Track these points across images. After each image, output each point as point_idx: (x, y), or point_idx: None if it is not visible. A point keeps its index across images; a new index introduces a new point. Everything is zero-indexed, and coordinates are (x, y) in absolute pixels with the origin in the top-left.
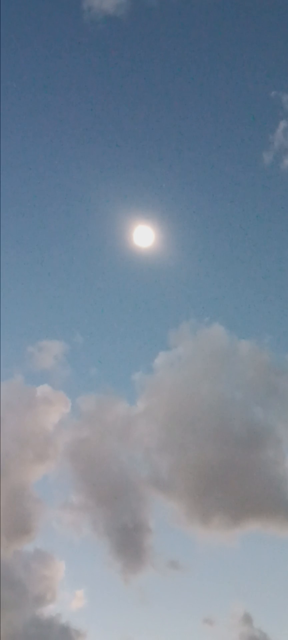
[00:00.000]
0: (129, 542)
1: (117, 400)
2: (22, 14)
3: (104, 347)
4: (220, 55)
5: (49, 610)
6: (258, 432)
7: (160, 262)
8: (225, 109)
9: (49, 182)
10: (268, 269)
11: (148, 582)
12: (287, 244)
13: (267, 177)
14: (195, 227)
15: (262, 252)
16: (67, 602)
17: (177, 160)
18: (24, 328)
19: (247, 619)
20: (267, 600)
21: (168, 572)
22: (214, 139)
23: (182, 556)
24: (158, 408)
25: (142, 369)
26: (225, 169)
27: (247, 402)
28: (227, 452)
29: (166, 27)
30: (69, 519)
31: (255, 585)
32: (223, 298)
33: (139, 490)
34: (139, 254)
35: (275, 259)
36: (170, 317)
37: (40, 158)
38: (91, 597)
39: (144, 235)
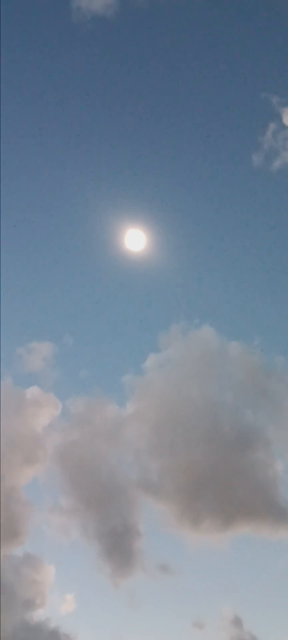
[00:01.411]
0: (118, 545)
1: (107, 403)
2: (9, 13)
3: (94, 349)
4: (210, 57)
5: (38, 614)
6: (248, 434)
7: (150, 264)
8: (215, 111)
9: (39, 186)
10: (258, 271)
11: (138, 586)
12: (277, 246)
13: (257, 179)
14: (186, 230)
15: (251, 254)
16: (57, 606)
17: (167, 164)
18: (12, 329)
19: (237, 622)
20: (257, 603)
21: (158, 575)
22: (204, 141)
23: (172, 559)
24: (148, 410)
25: (132, 371)
26: (215, 171)
27: (237, 404)
28: (217, 455)
29: (155, 28)
30: (58, 522)
31: (245, 588)
32: (213, 300)
33: (128, 493)
34: (129, 257)
35: (265, 261)
36: (160, 319)
37: (31, 161)
38: (81, 601)
39: (134, 239)
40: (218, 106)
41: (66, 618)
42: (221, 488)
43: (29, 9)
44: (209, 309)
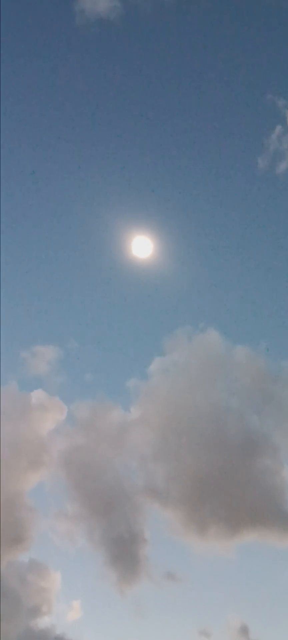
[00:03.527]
0: (124, 552)
1: (112, 407)
2: (14, 15)
3: (99, 352)
4: (215, 60)
5: (44, 621)
6: (255, 440)
7: (155, 268)
8: (220, 114)
9: (45, 191)
10: (264, 274)
11: (144, 594)
12: (283, 249)
13: (262, 182)
14: (191, 234)
15: (257, 258)
16: (63, 613)
17: (172, 169)
18: (17, 333)
19: (244, 630)
20: (264, 611)
21: (164, 583)
22: (210, 144)
23: (178, 567)
24: (153, 415)
25: (136, 375)
26: (221, 175)
27: (243, 409)
28: (224, 461)
29: (159, 31)
30: (64, 528)
31: (252, 596)
32: (219, 303)
33: (134, 499)
34: (135, 262)
35: (271, 264)
36: (165, 323)
37: (36, 166)
38: (87, 608)
39: (141, 245)
40: (223, 109)
41: (73, 625)
42: (227, 495)
43: (32, 11)
44: (214, 312)
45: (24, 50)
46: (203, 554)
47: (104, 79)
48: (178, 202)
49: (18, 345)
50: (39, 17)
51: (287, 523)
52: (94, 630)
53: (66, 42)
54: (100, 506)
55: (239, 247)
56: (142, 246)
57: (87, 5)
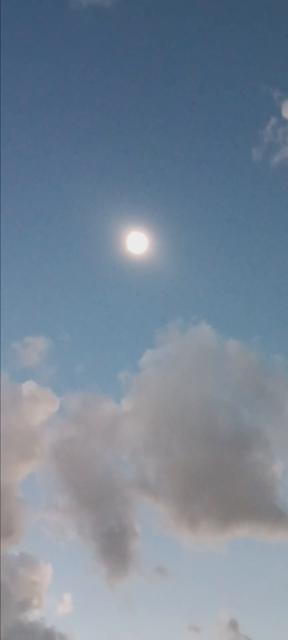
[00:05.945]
0: (114, 546)
1: (103, 400)
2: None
3: (90, 344)
4: (211, 50)
5: (33, 615)
6: (246, 434)
7: (148, 261)
8: (216, 105)
9: (40, 184)
10: (257, 268)
11: (134, 588)
12: (276, 242)
13: (256, 174)
14: (185, 226)
15: (250, 251)
16: (53, 606)
17: (167, 161)
18: (8, 324)
19: (233, 625)
20: (254, 606)
21: (155, 577)
22: (205, 136)
23: (168, 562)
24: (145, 408)
25: (128, 368)
26: (215, 167)
27: (234, 403)
28: (215, 455)
29: (154, 19)
30: (55, 521)
31: (242, 591)
32: (211, 296)
33: (125, 493)
34: (128, 256)
35: (264, 258)
36: (158, 315)
37: (31, 159)
38: (77, 602)
39: (134, 238)
40: (218, 100)
41: (63, 618)
42: (219, 489)
43: None
44: (207, 305)
45: (17, 37)
46: (194, 548)
47: (98, 67)
48: (172, 196)
49: (9, 336)
50: (33, 2)
51: (278, 517)
52: (84, 624)
53: (60, 28)
54: (91, 499)
55: (232, 241)
56: (137, 241)
57: None
